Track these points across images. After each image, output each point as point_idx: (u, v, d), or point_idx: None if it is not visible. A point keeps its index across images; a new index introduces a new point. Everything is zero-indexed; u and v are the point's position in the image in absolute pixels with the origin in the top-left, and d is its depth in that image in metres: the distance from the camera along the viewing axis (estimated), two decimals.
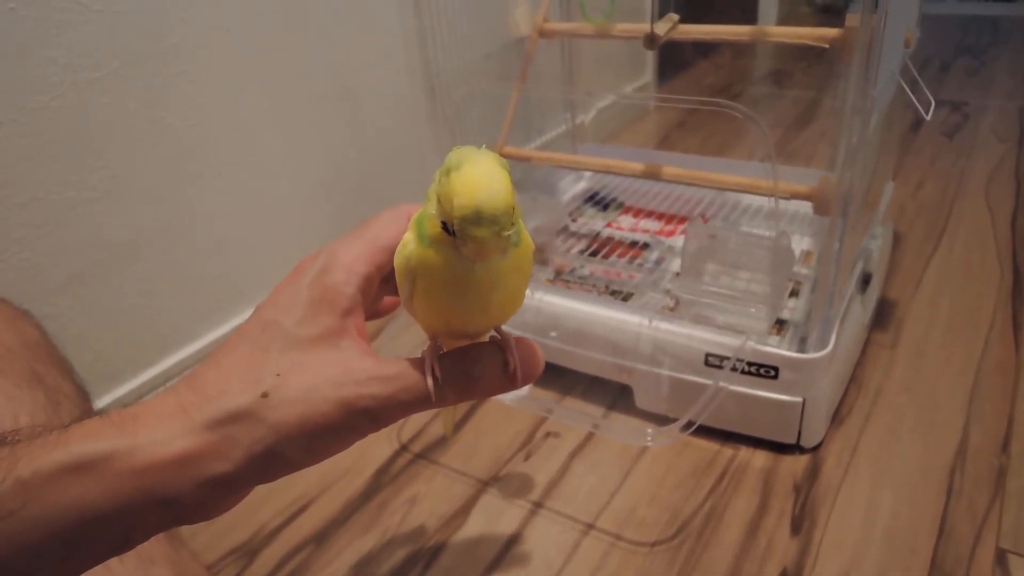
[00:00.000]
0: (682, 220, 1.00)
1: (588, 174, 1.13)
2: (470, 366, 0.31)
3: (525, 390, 0.67)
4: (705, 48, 2.02)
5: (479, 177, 0.26)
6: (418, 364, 0.31)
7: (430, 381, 0.30)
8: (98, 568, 0.30)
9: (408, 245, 0.30)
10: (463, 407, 0.81)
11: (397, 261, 0.31)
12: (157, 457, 0.28)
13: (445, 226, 0.27)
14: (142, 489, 0.28)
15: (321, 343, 0.31)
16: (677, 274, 0.83)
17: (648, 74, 1.70)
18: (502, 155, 0.94)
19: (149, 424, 0.29)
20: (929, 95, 0.72)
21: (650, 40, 0.74)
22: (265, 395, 0.29)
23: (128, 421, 0.30)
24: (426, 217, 0.28)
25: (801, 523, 0.65)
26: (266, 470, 0.30)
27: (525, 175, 1.07)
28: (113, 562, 0.43)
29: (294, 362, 0.31)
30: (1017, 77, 1.79)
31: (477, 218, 0.25)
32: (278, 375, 0.30)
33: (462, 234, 0.26)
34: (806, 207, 0.95)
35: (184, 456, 0.29)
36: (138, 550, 0.46)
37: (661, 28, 0.74)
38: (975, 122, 1.51)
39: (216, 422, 0.29)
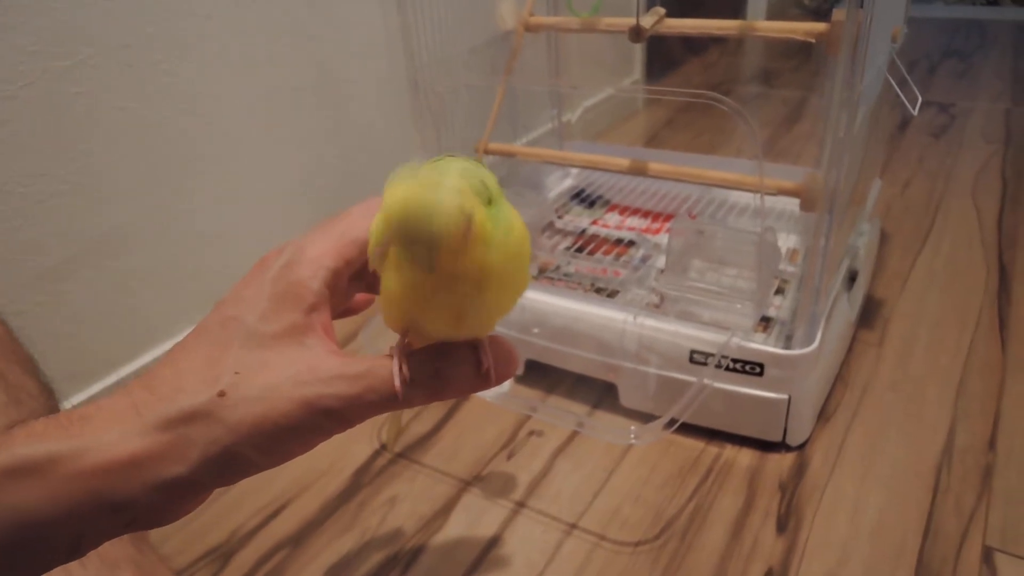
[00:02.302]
0: (668, 218, 1.00)
1: (574, 171, 1.12)
2: (441, 365, 0.30)
3: (507, 387, 0.66)
4: (695, 46, 2.02)
5: (412, 190, 0.24)
6: (386, 363, 0.29)
7: (398, 381, 0.29)
8: (59, 572, 0.29)
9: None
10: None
11: (374, 227, 0.28)
12: (106, 459, 0.27)
13: None
14: (90, 493, 0.27)
15: (284, 340, 0.30)
16: (662, 271, 0.82)
17: (636, 72, 1.70)
18: (487, 151, 0.93)
19: (98, 425, 0.28)
20: (917, 91, 0.72)
21: (636, 33, 0.73)
22: (222, 393, 0.28)
23: (76, 422, 0.28)
24: None
25: (787, 522, 0.64)
26: (224, 472, 0.29)
27: (511, 171, 1.06)
28: (74, 566, 0.41)
29: (255, 360, 0.29)
30: (1003, 80, 1.79)
31: (405, 237, 0.24)
32: (237, 373, 0.29)
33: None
34: (793, 205, 0.95)
35: (135, 458, 0.27)
36: (101, 553, 0.44)
37: (647, 21, 0.74)
38: (962, 123, 1.51)
39: (170, 422, 0.28)
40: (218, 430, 0.28)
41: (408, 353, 0.30)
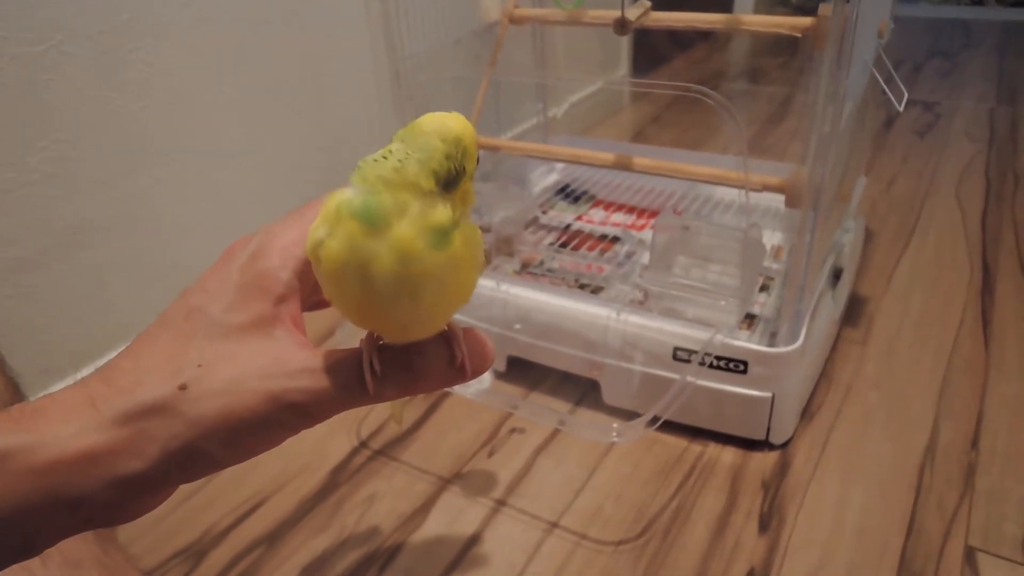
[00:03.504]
0: (653, 214, 0.99)
1: (559, 167, 1.11)
2: (412, 358, 0.29)
3: (488, 384, 0.65)
4: (682, 41, 2.01)
5: (447, 115, 0.25)
6: (355, 356, 0.28)
7: (368, 375, 0.28)
8: (19, 570, 0.28)
9: (318, 230, 0.26)
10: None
11: (310, 250, 0.26)
12: (60, 454, 0.26)
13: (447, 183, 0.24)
14: (44, 490, 0.26)
15: (251, 331, 0.29)
16: (646, 267, 0.81)
17: (623, 68, 1.69)
18: None
19: (53, 419, 0.27)
20: (903, 87, 0.72)
21: (621, 26, 0.73)
22: (183, 387, 0.27)
23: (29, 416, 0.27)
24: (391, 186, 0.24)
25: (769, 521, 0.64)
26: (185, 468, 0.28)
27: (495, 166, 1.05)
28: (35, 564, 0.40)
29: (219, 351, 0.28)
30: (988, 79, 1.80)
31: (466, 147, 0.24)
32: (200, 365, 0.28)
33: (461, 174, 0.24)
34: (778, 203, 0.94)
35: (91, 453, 0.26)
36: (64, 552, 0.43)
37: (632, 14, 0.73)
38: (947, 122, 1.51)
39: (128, 416, 0.27)
40: (179, 425, 0.27)
41: (379, 346, 0.29)
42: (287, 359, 0.28)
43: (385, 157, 0.25)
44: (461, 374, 0.29)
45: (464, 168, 0.25)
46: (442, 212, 0.24)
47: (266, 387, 0.27)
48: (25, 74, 0.67)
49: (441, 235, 0.24)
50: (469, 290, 0.28)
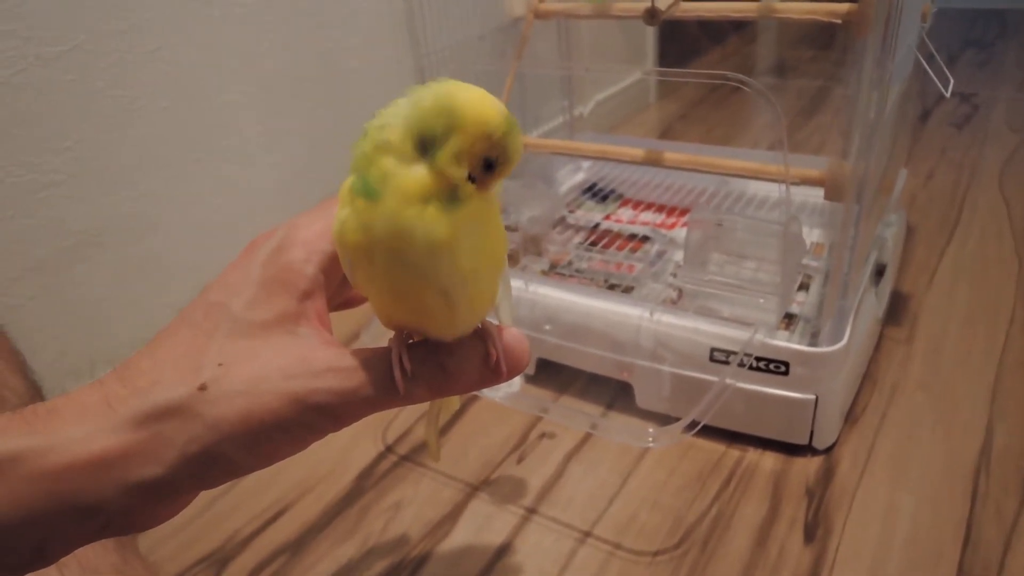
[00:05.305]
0: (683, 212, 0.96)
1: (586, 165, 1.09)
2: (445, 358, 0.27)
3: (517, 387, 0.63)
4: (712, 32, 1.97)
5: (469, 88, 0.23)
6: (384, 354, 0.27)
7: (398, 373, 0.26)
8: None
9: (337, 216, 0.26)
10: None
11: (338, 237, 0.26)
12: (73, 458, 0.24)
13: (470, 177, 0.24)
14: (56, 495, 0.24)
15: (274, 329, 0.27)
16: (680, 265, 0.78)
17: (649, 63, 1.66)
18: None
19: (67, 420, 0.25)
20: (948, 72, 0.68)
21: (651, 16, 0.70)
22: (203, 387, 0.26)
23: (42, 417, 0.26)
24: (389, 175, 0.24)
25: (815, 530, 0.60)
26: (204, 474, 0.26)
27: (521, 164, 1.03)
28: (51, 572, 0.38)
29: (240, 350, 0.27)
30: None
31: (509, 126, 0.23)
32: (220, 364, 0.26)
33: (502, 154, 0.23)
34: (814, 198, 0.91)
35: (106, 457, 0.25)
36: (81, 560, 0.41)
37: (662, 3, 0.70)
38: (985, 113, 1.46)
39: (145, 418, 0.25)
40: (197, 427, 0.25)
41: (409, 344, 0.28)
42: (312, 358, 0.26)
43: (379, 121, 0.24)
44: (496, 374, 0.28)
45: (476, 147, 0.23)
46: (413, 180, 0.23)
47: (289, 387, 0.26)
48: (48, 74, 0.66)
49: (432, 199, 0.23)
50: (498, 255, 0.27)
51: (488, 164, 0.23)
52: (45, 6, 0.65)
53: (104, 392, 0.26)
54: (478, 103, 0.23)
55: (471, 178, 0.23)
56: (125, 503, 0.25)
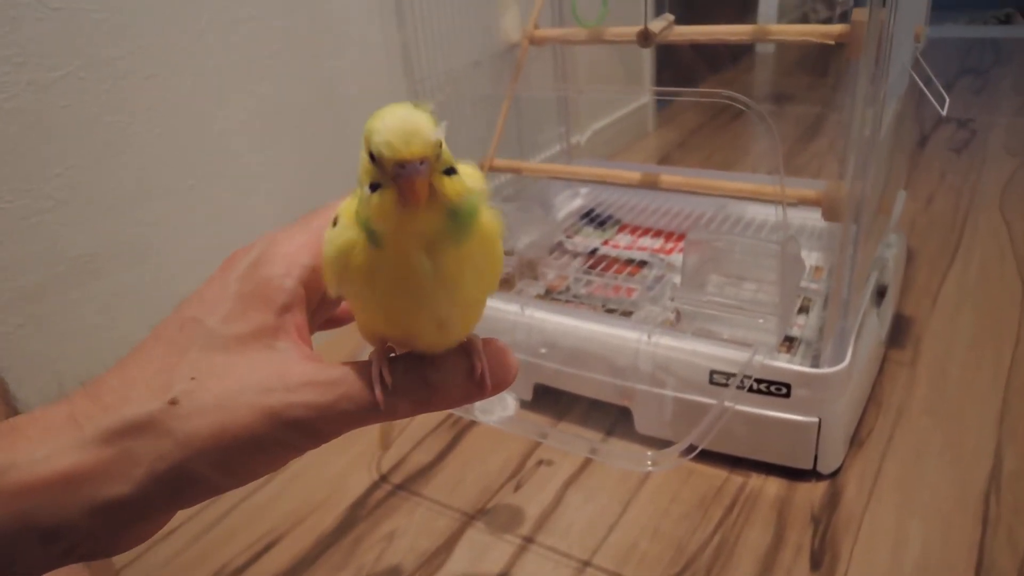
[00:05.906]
0: (681, 237, 0.95)
1: (584, 191, 1.09)
2: (428, 371, 0.26)
3: (512, 409, 0.61)
4: (708, 57, 1.99)
5: (393, 109, 0.22)
6: (365, 368, 0.26)
7: (378, 388, 0.25)
8: None
9: (341, 234, 0.25)
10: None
11: (327, 251, 0.25)
12: (35, 477, 0.23)
13: (373, 187, 0.22)
14: (17, 516, 0.23)
15: (250, 343, 0.26)
16: (677, 287, 0.77)
17: (645, 93, 1.67)
18: (492, 167, 0.89)
19: (30, 437, 0.24)
20: (943, 91, 0.68)
21: (644, 38, 0.70)
22: (174, 402, 0.24)
23: (4, 434, 0.24)
24: (360, 200, 0.23)
25: (822, 558, 0.58)
26: (176, 493, 0.25)
27: (518, 190, 1.03)
28: None
29: (215, 364, 0.25)
30: (1022, 94, 1.75)
31: (403, 138, 0.21)
32: (193, 379, 0.25)
33: (392, 166, 0.21)
34: (813, 220, 0.90)
35: (70, 475, 0.23)
36: None
37: (656, 26, 0.71)
38: (983, 138, 1.47)
39: (112, 435, 0.24)
40: (167, 443, 0.24)
41: (392, 357, 0.26)
42: (289, 372, 0.25)
43: None
44: (480, 388, 0.26)
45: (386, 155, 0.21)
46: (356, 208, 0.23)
47: (265, 402, 0.24)
48: (42, 100, 0.66)
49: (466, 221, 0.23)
50: (495, 279, 0.26)
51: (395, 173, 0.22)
52: (39, 32, 0.65)
53: (71, 409, 0.25)
54: (375, 116, 0.22)
55: (372, 187, 0.22)
56: (90, 524, 0.24)
